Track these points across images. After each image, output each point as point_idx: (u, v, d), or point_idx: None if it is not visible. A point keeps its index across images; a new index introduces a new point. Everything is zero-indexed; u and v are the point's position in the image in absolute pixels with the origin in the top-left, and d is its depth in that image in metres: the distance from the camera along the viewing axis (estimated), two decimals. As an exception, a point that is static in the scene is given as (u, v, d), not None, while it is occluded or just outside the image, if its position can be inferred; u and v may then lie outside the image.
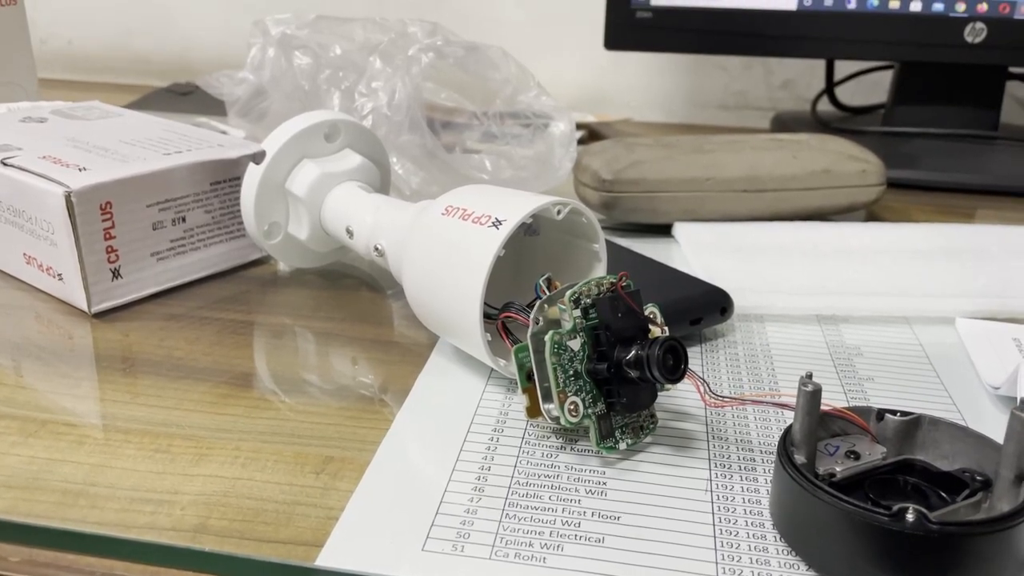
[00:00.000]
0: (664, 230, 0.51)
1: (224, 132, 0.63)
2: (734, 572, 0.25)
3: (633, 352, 0.29)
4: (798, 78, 0.85)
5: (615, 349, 0.29)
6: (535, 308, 0.30)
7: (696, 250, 0.47)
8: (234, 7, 0.93)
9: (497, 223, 0.32)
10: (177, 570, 0.25)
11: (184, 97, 0.84)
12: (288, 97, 0.57)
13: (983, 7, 0.64)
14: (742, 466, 0.30)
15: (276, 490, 0.28)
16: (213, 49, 0.95)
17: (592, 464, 0.30)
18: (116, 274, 0.39)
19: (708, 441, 0.31)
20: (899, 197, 0.61)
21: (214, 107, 0.67)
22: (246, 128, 0.61)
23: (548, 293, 0.31)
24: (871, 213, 0.57)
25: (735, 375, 0.36)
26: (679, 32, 0.68)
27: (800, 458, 0.26)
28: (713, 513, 0.27)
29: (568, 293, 0.29)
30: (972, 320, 0.40)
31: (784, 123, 0.77)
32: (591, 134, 0.78)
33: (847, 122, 0.74)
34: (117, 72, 0.98)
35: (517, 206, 0.32)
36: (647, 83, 0.88)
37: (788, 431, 0.27)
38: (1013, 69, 0.70)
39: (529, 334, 0.29)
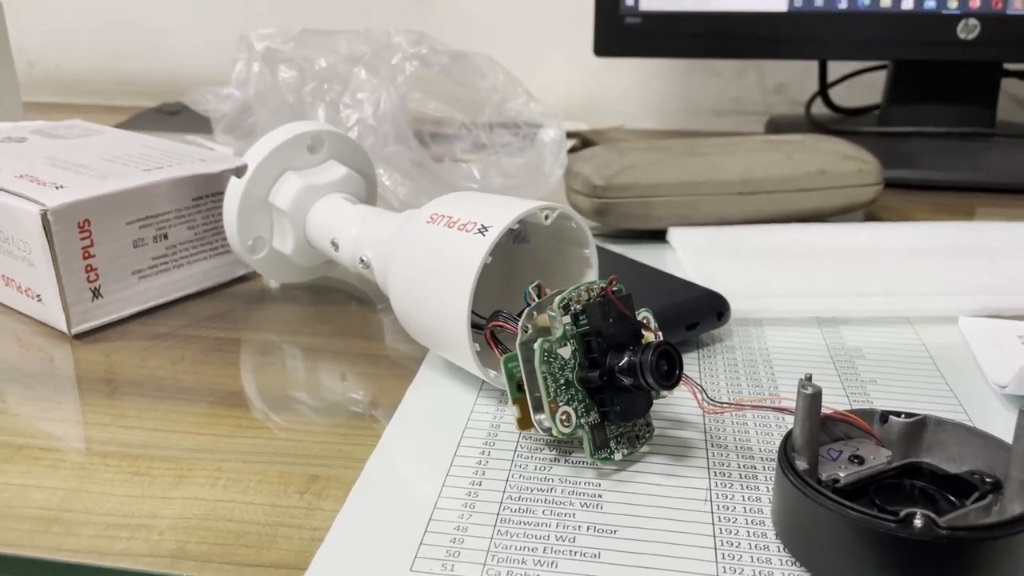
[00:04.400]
0: (658, 236, 0.50)
1: (211, 150, 0.62)
2: (736, 585, 0.24)
3: (626, 358, 0.28)
4: (792, 82, 0.84)
5: (607, 356, 0.28)
6: (523, 316, 0.29)
7: (691, 255, 0.46)
8: (221, 25, 0.93)
9: (483, 230, 0.31)
10: (154, 598, 0.24)
11: (173, 116, 0.84)
12: (274, 112, 0.56)
13: (976, 3, 0.64)
14: (742, 474, 0.29)
15: (258, 512, 0.27)
16: (201, 68, 0.94)
17: (587, 476, 0.29)
18: (96, 294, 0.38)
19: (707, 449, 0.30)
20: (897, 197, 0.60)
21: (203, 126, 0.66)
22: (233, 145, 0.61)
23: (538, 300, 0.30)
24: (869, 213, 0.56)
25: (734, 380, 0.35)
26: (669, 37, 0.67)
27: (802, 464, 0.25)
28: (713, 524, 0.26)
29: (557, 299, 0.28)
30: (976, 319, 0.39)
31: (778, 126, 0.76)
32: (583, 143, 0.77)
33: (842, 124, 0.73)
34: (106, 94, 0.98)
35: (503, 212, 0.31)
36: (640, 90, 0.88)
37: (789, 436, 0.26)
38: (1008, 66, 0.70)
39: (518, 343, 0.28)
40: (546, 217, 0.32)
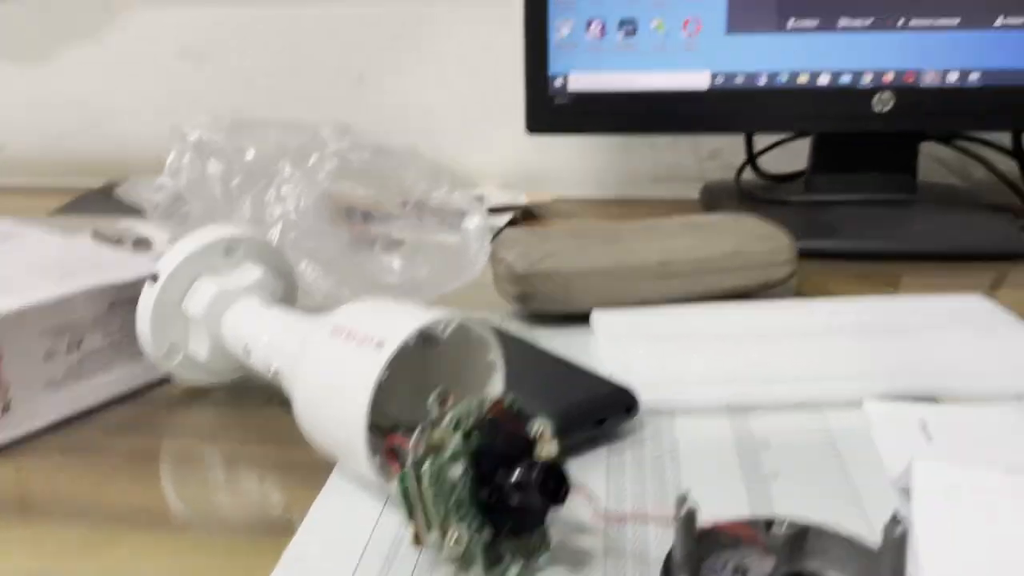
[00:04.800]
0: (583, 318, 0.51)
1: (146, 238, 0.62)
2: None
3: (514, 477, 0.28)
4: (726, 147, 0.86)
5: (497, 473, 0.29)
6: (415, 435, 0.29)
7: (609, 342, 0.46)
8: (168, 104, 0.94)
9: (380, 344, 0.31)
10: None
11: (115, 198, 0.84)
12: (205, 203, 0.57)
13: (889, 77, 0.66)
14: (636, 585, 0.29)
15: (148, 647, 0.27)
16: (147, 147, 0.95)
17: (484, 592, 0.29)
18: (6, 408, 0.38)
19: (604, 559, 0.30)
20: (821, 268, 0.61)
21: (145, 208, 0.66)
22: (171, 230, 0.61)
23: (433, 417, 0.30)
24: (791, 288, 0.57)
25: (639, 480, 0.35)
26: (597, 116, 0.69)
27: (681, 583, 0.26)
28: (602, 642, 0.27)
29: (447, 418, 0.29)
30: (880, 402, 0.40)
31: (712, 193, 0.78)
32: (523, 215, 0.78)
33: (771, 191, 0.75)
34: (53, 175, 0.98)
35: (401, 325, 0.32)
36: (578, 162, 0.89)
37: (670, 555, 0.26)
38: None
39: (409, 463, 0.29)
40: (443, 330, 0.33)
